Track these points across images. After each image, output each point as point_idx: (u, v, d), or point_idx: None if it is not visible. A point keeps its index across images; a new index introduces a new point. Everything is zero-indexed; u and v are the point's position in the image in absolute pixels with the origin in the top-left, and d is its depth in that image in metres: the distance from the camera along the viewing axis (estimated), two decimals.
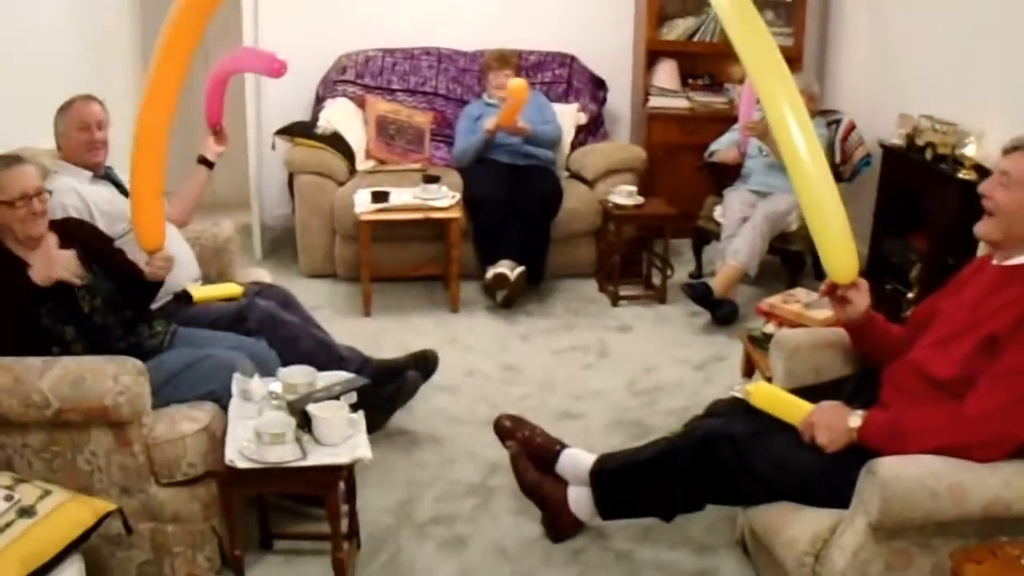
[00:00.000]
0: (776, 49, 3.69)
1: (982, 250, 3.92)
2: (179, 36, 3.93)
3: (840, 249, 3.60)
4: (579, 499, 4.01)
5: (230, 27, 7.71)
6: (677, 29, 8.61)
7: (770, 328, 5.17)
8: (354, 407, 3.77)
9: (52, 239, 4.20)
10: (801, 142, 3.52)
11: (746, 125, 7.19)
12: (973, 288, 3.62)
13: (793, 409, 3.53)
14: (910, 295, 6.23)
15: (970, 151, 6.12)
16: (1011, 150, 3.50)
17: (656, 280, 7.28)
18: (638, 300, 7.17)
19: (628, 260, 7.26)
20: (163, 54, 3.93)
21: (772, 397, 3.64)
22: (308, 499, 4.32)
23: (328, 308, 6.70)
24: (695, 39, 8.62)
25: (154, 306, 4.57)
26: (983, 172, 5.87)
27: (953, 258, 5.65)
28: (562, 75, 8.43)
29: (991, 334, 3.33)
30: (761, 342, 5.13)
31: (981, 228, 3.56)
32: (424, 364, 5.18)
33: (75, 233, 4.20)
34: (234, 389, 3.90)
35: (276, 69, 5.28)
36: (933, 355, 3.53)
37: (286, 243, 8.05)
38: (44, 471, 3.81)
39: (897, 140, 6.92)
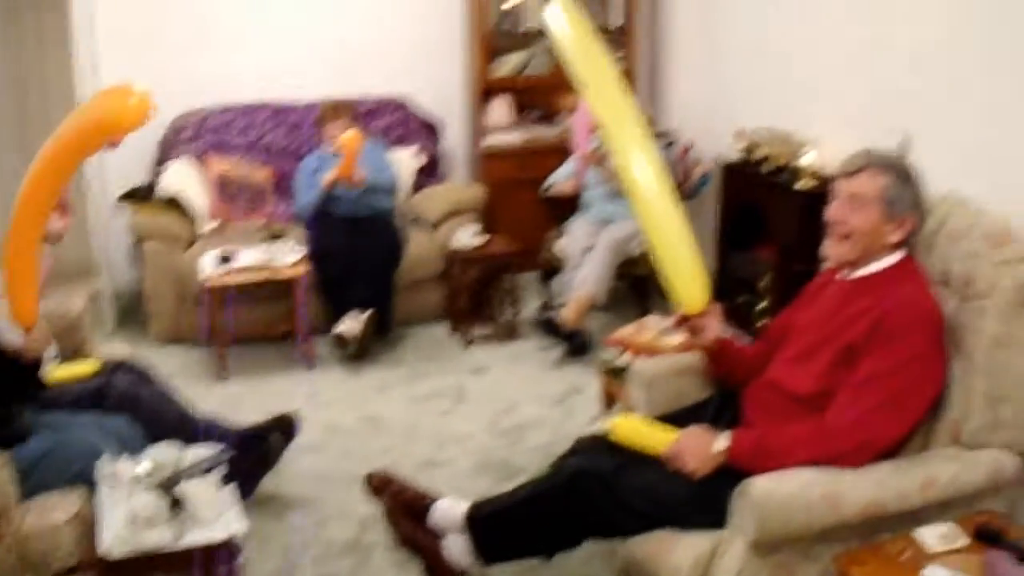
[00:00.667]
0: (618, 80, 3.76)
1: (827, 264, 4.03)
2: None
3: (689, 281, 3.68)
4: (457, 547, 4.01)
5: (66, 89, 7.65)
6: (508, 64, 8.69)
7: (625, 359, 5.21)
8: (224, 480, 3.76)
9: None
10: (649, 180, 3.59)
11: (583, 155, 7.27)
12: (824, 302, 3.74)
13: (657, 439, 3.58)
14: (762, 306, 6.35)
15: (807, 160, 6.26)
16: (855, 172, 3.61)
17: (506, 318, 7.32)
18: (490, 340, 7.20)
19: (477, 300, 7.30)
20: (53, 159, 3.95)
21: (634, 429, 3.69)
22: None
23: (184, 375, 6.61)
24: (526, 73, 8.71)
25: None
26: (822, 180, 6.03)
27: (800, 265, 5.78)
28: (397, 120, 8.44)
29: (847, 345, 3.44)
30: (618, 373, 5.18)
31: (835, 251, 3.66)
32: (285, 426, 5.14)
33: None
34: (101, 473, 3.85)
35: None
36: (791, 371, 3.63)
37: (136, 311, 7.94)
38: None
39: (735, 155, 7.06)
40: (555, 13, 3.96)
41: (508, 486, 4.61)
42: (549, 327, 6.77)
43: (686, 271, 3.66)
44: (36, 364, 4.34)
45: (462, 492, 4.23)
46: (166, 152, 8.03)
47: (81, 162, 3.88)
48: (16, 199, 3.92)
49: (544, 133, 8.73)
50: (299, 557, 4.62)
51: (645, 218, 3.65)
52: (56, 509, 3.82)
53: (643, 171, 3.60)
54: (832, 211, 3.65)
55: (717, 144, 7.45)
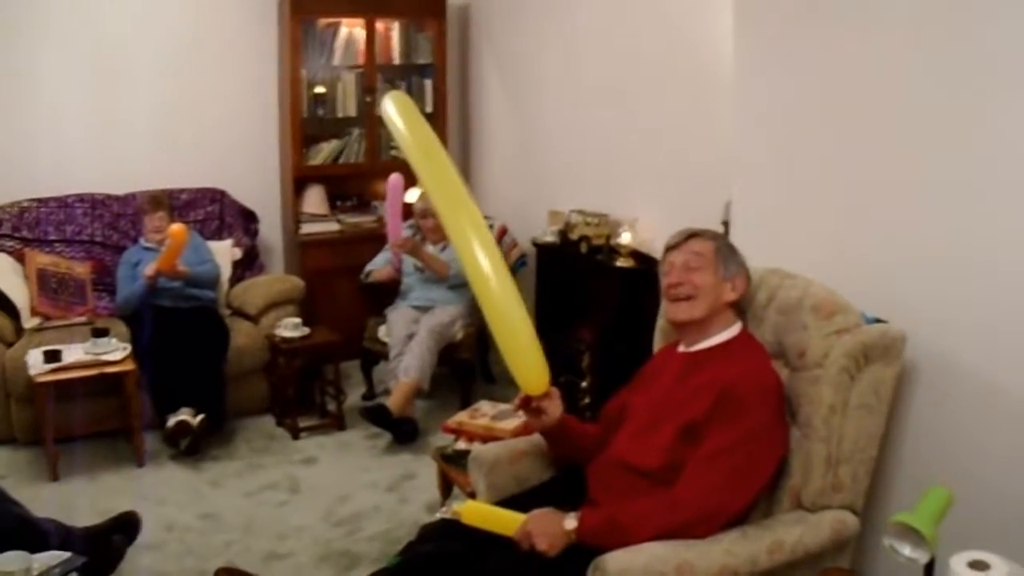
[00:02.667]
0: (452, 169, 3.85)
1: (659, 342, 4.16)
2: None
3: (530, 363, 3.74)
4: None
5: None
6: (322, 153, 8.77)
7: (462, 445, 5.28)
8: None
9: None
10: (485, 262, 3.66)
11: (395, 244, 7.35)
12: (664, 377, 3.85)
13: (506, 521, 3.60)
14: (584, 384, 6.43)
15: (625, 239, 6.42)
16: (684, 241, 3.79)
17: (332, 407, 7.36)
18: (317, 430, 7.21)
19: (301, 391, 7.32)
20: None
21: (483, 513, 3.72)
22: None
23: (13, 476, 6.46)
24: (340, 161, 8.80)
25: None
26: (640, 258, 6.20)
27: (622, 344, 5.92)
28: (214, 211, 8.44)
29: (691, 419, 3.55)
30: (455, 460, 5.24)
31: (682, 313, 3.79)
32: (127, 526, 5.11)
33: None
34: None
35: None
36: (635, 447, 3.71)
37: None
38: None
39: (550, 237, 7.21)
40: (389, 106, 4.04)
41: None
42: (375, 415, 6.80)
43: (527, 354, 3.72)
44: None
45: None
46: None
47: None
48: None
49: (360, 220, 8.82)
50: None
51: (485, 302, 3.71)
52: None
53: (481, 256, 3.67)
54: (671, 278, 3.81)
55: (532, 227, 7.61)
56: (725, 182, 5.08)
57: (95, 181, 8.27)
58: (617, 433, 3.90)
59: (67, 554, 4.02)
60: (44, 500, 5.73)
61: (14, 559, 3.87)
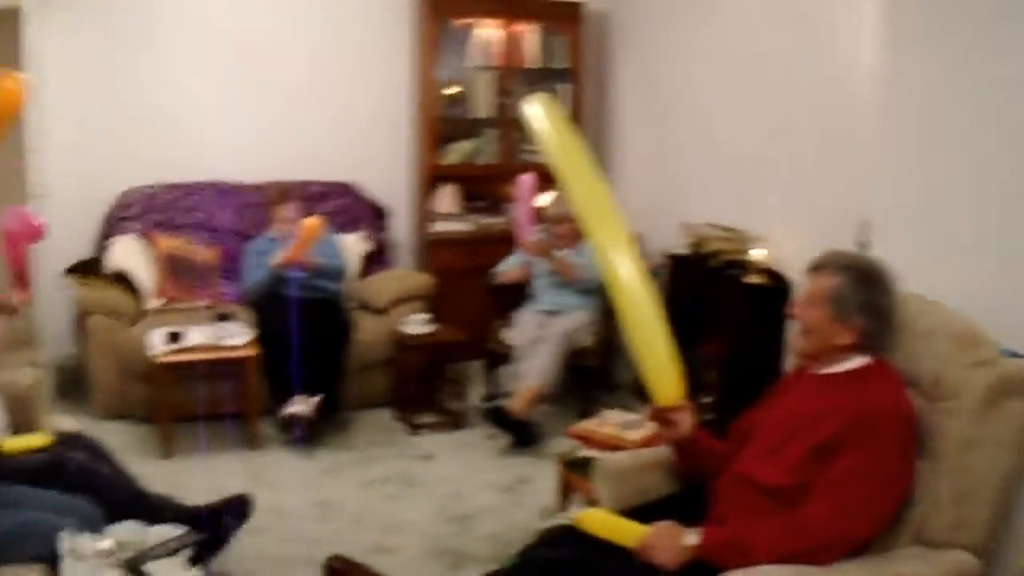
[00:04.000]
0: (597, 174, 3.75)
1: (791, 360, 4.04)
2: None
3: (666, 374, 3.65)
4: None
5: (10, 158, 7.60)
6: (456, 152, 8.73)
7: (587, 452, 5.19)
8: (192, 561, 3.70)
9: None
10: (626, 268, 3.58)
11: (527, 245, 7.27)
12: (794, 397, 3.73)
13: (627, 531, 3.53)
14: (707, 400, 6.32)
15: (757, 255, 6.27)
16: (815, 270, 3.66)
17: (452, 406, 7.28)
18: (436, 427, 7.16)
19: (423, 388, 7.26)
20: None
21: (604, 521, 3.64)
22: None
23: (128, 452, 6.38)
24: (474, 161, 8.76)
25: None
26: (772, 276, 6.06)
27: (749, 362, 5.80)
28: (345, 205, 8.44)
29: (819, 442, 3.42)
30: (578, 466, 5.14)
31: (798, 343, 3.69)
32: (238, 508, 5.07)
33: None
34: (63, 548, 3.77)
35: (34, 233, 5.20)
36: (761, 465, 3.60)
37: (77, 384, 7.84)
38: None
39: (682, 249, 7.07)
40: (534, 107, 3.96)
41: (459, 575, 4.59)
42: (497, 416, 6.73)
43: (662, 364, 3.64)
44: None
45: None
46: (111, 227, 7.97)
47: None
48: None
49: (491, 222, 8.76)
50: None
51: (624, 309, 3.63)
52: None
53: (623, 262, 3.59)
54: (794, 308, 3.70)
55: (665, 238, 7.49)
56: (862, 201, 4.95)
57: (227, 169, 8.37)
58: (745, 450, 3.79)
59: (182, 529, 3.99)
60: (157, 477, 5.68)
61: (130, 530, 3.89)
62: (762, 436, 3.75)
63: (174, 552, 3.71)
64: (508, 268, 7.61)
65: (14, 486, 4.32)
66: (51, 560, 3.79)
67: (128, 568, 3.58)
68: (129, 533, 3.83)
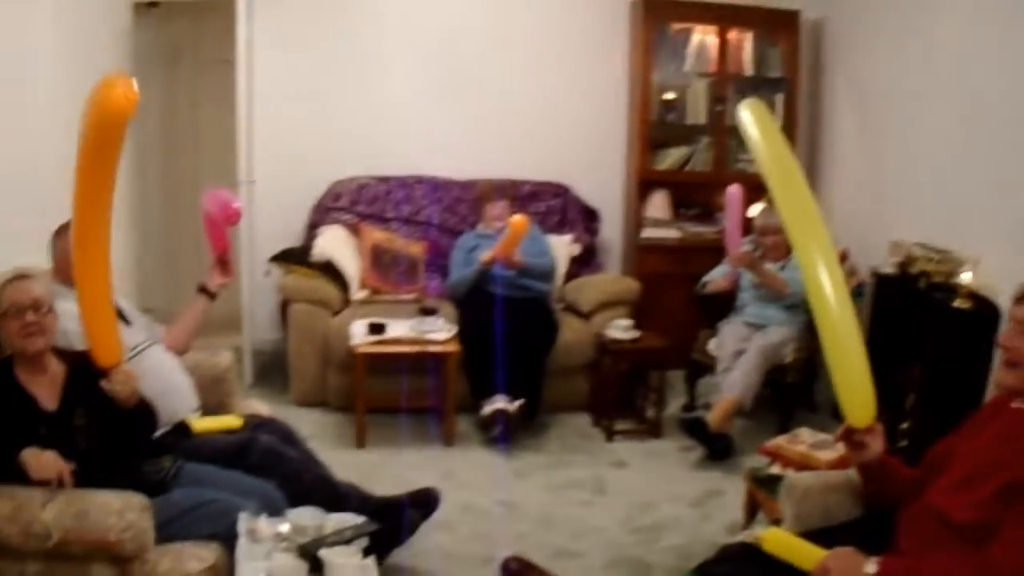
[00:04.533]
0: (805, 185, 3.68)
1: (992, 391, 3.90)
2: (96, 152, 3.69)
3: (858, 393, 3.56)
4: None
5: (227, 149, 7.76)
6: (669, 158, 8.69)
7: (776, 469, 5.10)
8: (366, 551, 3.71)
9: (56, 367, 4.16)
10: (828, 284, 3.50)
11: (733, 257, 7.17)
12: (992, 431, 3.58)
13: (806, 554, 3.45)
14: (903, 426, 6.16)
15: (966, 279, 6.09)
16: (1017, 299, 3.50)
17: (650, 414, 7.22)
18: (632, 434, 7.10)
19: (622, 394, 7.22)
20: (84, 169, 3.70)
21: (785, 542, 3.57)
22: None
23: (320, 439, 6.58)
24: (687, 168, 8.68)
25: (154, 436, 4.50)
26: (979, 300, 5.88)
27: (951, 389, 5.64)
28: (556, 206, 8.47)
29: (1012, 480, 3.28)
30: (766, 483, 5.04)
31: (1004, 378, 3.53)
32: (425, 502, 5.09)
33: (81, 366, 4.09)
34: (241, 528, 3.82)
35: (230, 216, 5.26)
36: (950, 498, 3.47)
37: (276, 370, 8.01)
38: None
39: (890, 268, 6.92)
40: (746, 111, 3.89)
41: None
42: (693, 427, 6.65)
43: (857, 383, 3.54)
44: (145, 415, 4.31)
45: None
46: (320, 217, 8.14)
47: (105, 166, 3.63)
48: (73, 235, 3.81)
49: (701, 230, 8.68)
50: None
51: (823, 325, 3.55)
52: (191, 559, 3.85)
53: (826, 278, 3.51)
54: (1003, 335, 3.54)
55: (872, 255, 7.33)
56: None
57: (437, 164, 8.47)
58: (935, 481, 3.66)
59: (361, 518, 4.00)
60: (348, 465, 5.73)
61: (309, 515, 3.91)
62: (954, 468, 3.62)
63: (349, 540, 3.72)
64: (715, 278, 7.52)
65: (201, 464, 4.40)
66: (228, 539, 3.85)
67: (302, 553, 3.60)
68: (308, 518, 3.85)
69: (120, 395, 4.00)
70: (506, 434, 6.71)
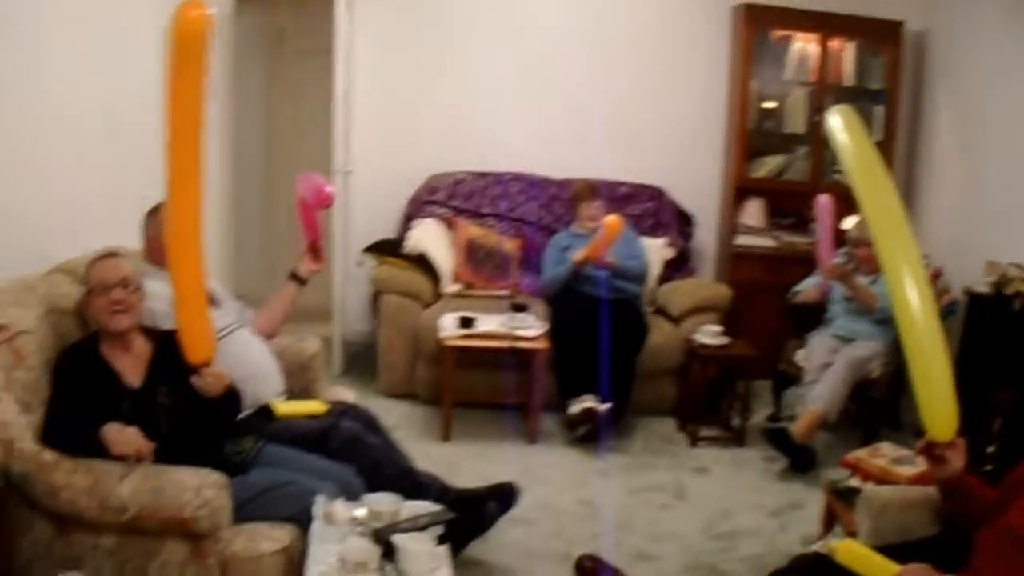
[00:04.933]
0: (894, 196, 3.65)
1: None
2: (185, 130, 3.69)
3: (943, 408, 3.54)
4: None
5: (325, 140, 7.84)
6: (766, 166, 8.65)
7: (855, 482, 5.06)
8: (440, 539, 3.74)
9: (142, 345, 4.22)
10: (915, 298, 3.47)
11: (825, 269, 7.12)
12: None
13: (879, 568, 3.43)
14: (990, 449, 6.10)
15: None
16: None
17: (735, 422, 7.20)
18: (716, 441, 7.08)
19: (708, 400, 7.21)
20: (176, 159, 3.69)
21: (858, 556, 3.55)
22: None
23: (406, 430, 6.66)
24: (783, 177, 8.65)
25: (237, 418, 4.56)
26: None
27: None
28: (651, 208, 8.46)
29: None
30: (845, 496, 5.02)
31: None
32: (505, 496, 5.11)
33: (167, 346, 4.14)
34: (317, 511, 3.86)
35: (323, 200, 5.30)
36: None
37: (365, 360, 8.09)
38: (113, 574, 3.81)
39: (984, 288, 6.84)
40: (836, 122, 3.87)
41: None
42: (777, 438, 6.62)
43: (940, 397, 3.52)
44: (230, 403, 4.35)
45: None
46: (415, 209, 8.20)
47: (192, 90, 3.61)
48: (168, 222, 3.83)
49: (796, 240, 8.63)
50: None
51: (907, 338, 3.52)
52: (265, 540, 3.90)
53: (912, 289, 3.49)
54: None
55: (967, 274, 7.25)
56: None
57: (534, 163, 8.52)
58: (1015, 502, 3.63)
59: (438, 507, 4.04)
60: (431, 457, 5.82)
61: (385, 500, 3.95)
62: None
63: (424, 527, 3.75)
64: (806, 288, 7.46)
65: (282, 447, 4.45)
66: (304, 521, 3.90)
67: (375, 537, 3.63)
68: (384, 503, 3.89)
69: (209, 393, 4.05)
70: (592, 434, 6.74)
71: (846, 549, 3.55)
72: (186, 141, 3.67)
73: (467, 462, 6.35)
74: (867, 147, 3.78)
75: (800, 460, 6.61)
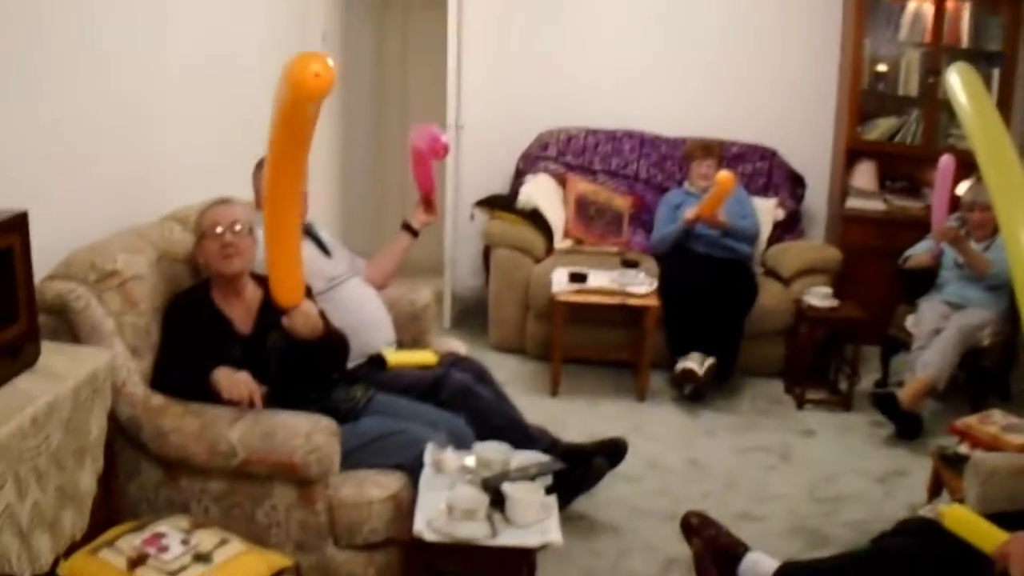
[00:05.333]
0: (1015, 157, 3.58)
1: None
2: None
3: None
4: None
5: (435, 93, 7.89)
6: (878, 129, 8.53)
7: (964, 449, 5.03)
8: (548, 490, 3.77)
9: (253, 291, 4.30)
10: None
11: (937, 232, 7.04)
12: None
13: (987, 535, 3.41)
14: None
15: None
16: None
17: (842, 386, 7.16)
18: (823, 405, 7.05)
19: (816, 363, 7.18)
20: (280, 129, 3.63)
21: (966, 521, 3.54)
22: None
23: (515, 384, 6.70)
24: (895, 140, 8.52)
25: (349, 367, 4.62)
26: None
27: None
28: (762, 169, 8.41)
29: None
30: (953, 462, 4.98)
31: None
32: (613, 452, 5.16)
33: None
34: (427, 459, 3.92)
35: (437, 150, 5.29)
36: None
37: (475, 314, 8.16)
38: (220, 519, 3.88)
39: None
40: (955, 78, 3.84)
41: (815, 554, 4.55)
42: (885, 403, 6.58)
43: None
44: (338, 347, 4.41)
45: (770, 551, 4.16)
46: (526, 165, 8.23)
47: (300, 135, 3.59)
48: (266, 182, 3.82)
49: (908, 204, 8.52)
50: None
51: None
52: (374, 486, 3.98)
53: None
54: None
55: None
56: None
57: (647, 120, 8.50)
58: None
59: (547, 457, 4.08)
60: (539, 412, 5.85)
61: (496, 449, 4.01)
62: None
63: (534, 477, 3.79)
64: (918, 252, 7.37)
65: (393, 396, 4.50)
66: (414, 469, 3.97)
67: (484, 486, 3.68)
68: (494, 452, 3.94)
69: (300, 334, 4.08)
70: (696, 392, 6.76)
71: (954, 514, 3.54)
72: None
73: (575, 418, 6.39)
74: (988, 106, 3.75)
75: (907, 427, 6.57)
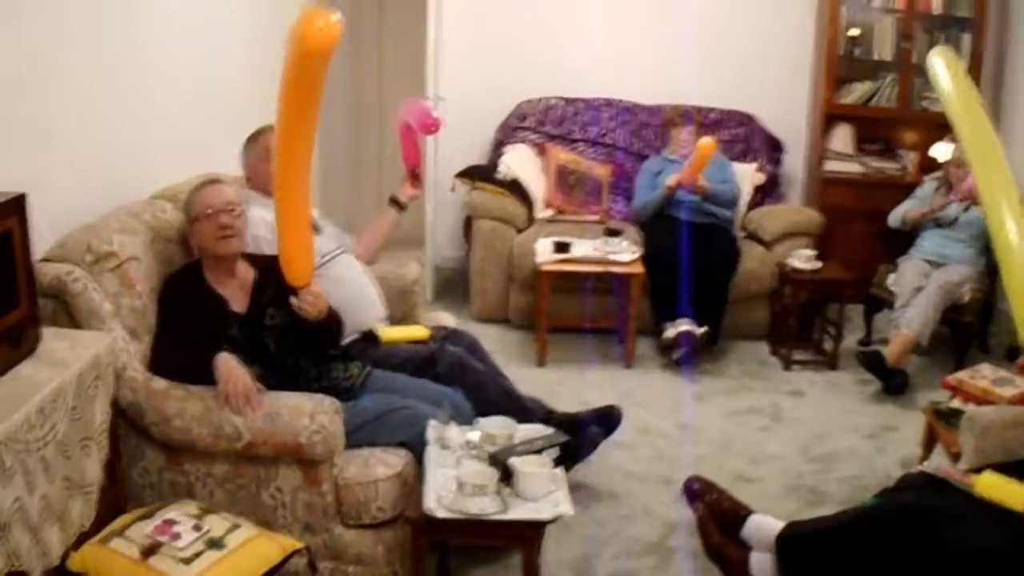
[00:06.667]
0: (992, 132, 3.64)
1: None
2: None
3: None
4: (762, 564, 3.96)
5: (412, 65, 7.86)
6: (854, 93, 8.57)
7: (956, 403, 5.09)
8: (555, 462, 3.79)
9: (245, 271, 4.31)
10: (1013, 229, 3.46)
11: (961, 190, 6.96)
12: None
13: (1016, 495, 3.43)
14: None
15: None
16: None
17: (827, 346, 7.21)
18: (809, 365, 7.10)
19: (801, 324, 7.22)
20: (287, 104, 3.64)
21: (998, 486, 3.47)
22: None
23: (501, 355, 6.54)
24: (871, 104, 8.57)
25: (343, 343, 4.62)
26: None
27: None
28: (740, 134, 8.44)
29: None
30: (947, 417, 5.03)
31: None
32: (607, 420, 5.18)
33: (270, 270, 4.16)
34: (430, 435, 3.93)
35: (428, 125, 5.28)
36: None
37: (456, 286, 8.17)
38: (225, 502, 3.89)
39: None
40: (938, 62, 3.87)
41: (813, 512, 4.59)
42: (871, 361, 6.65)
43: None
44: (334, 326, 4.38)
45: (767, 512, 4.17)
46: (506, 135, 8.25)
47: (308, 98, 3.60)
48: (274, 156, 3.76)
49: (884, 165, 8.59)
50: (600, 549, 4.64)
51: (1007, 269, 3.51)
52: (379, 464, 3.97)
53: (1011, 224, 3.47)
54: None
55: None
56: None
57: (625, 88, 8.51)
58: None
59: (550, 430, 4.09)
60: (529, 382, 5.84)
61: (499, 424, 4.00)
62: None
63: (539, 451, 3.80)
64: (910, 210, 7.36)
65: (390, 372, 4.51)
66: (417, 446, 3.98)
67: (492, 461, 3.69)
68: (498, 427, 3.94)
69: (308, 315, 4.06)
70: (684, 357, 6.78)
71: (985, 481, 3.53)
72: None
73: (564, 387, 6.41)
74: (967, 89, 3.78)
75: (893, 383, 6.63)
